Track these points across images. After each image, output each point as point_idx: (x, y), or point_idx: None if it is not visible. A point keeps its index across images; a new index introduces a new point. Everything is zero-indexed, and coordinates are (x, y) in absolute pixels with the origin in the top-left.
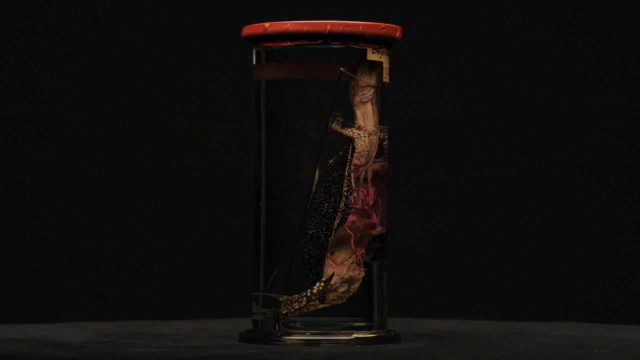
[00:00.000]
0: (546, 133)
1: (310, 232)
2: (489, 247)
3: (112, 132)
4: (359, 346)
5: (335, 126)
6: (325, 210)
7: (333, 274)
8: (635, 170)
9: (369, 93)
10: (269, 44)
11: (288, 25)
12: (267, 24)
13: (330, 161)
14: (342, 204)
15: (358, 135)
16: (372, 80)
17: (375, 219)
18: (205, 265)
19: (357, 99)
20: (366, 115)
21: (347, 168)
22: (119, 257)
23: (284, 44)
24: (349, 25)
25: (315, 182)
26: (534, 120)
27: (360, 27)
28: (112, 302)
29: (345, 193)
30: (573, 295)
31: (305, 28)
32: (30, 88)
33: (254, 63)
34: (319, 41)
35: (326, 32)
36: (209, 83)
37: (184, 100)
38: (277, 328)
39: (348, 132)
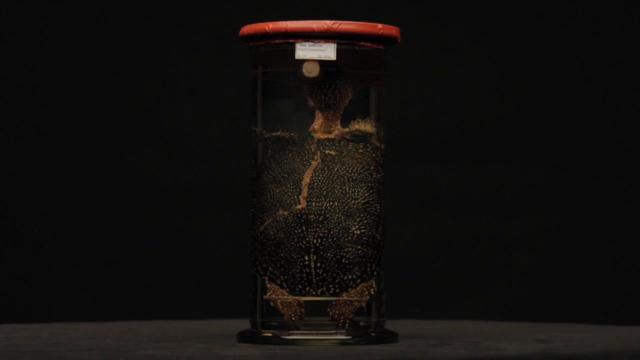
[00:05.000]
0: (546, 133)
1: (357, 232)
2: (488, 247)
3: (111, 132)
4: (357, 346)
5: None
6: (379, 211)
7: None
8: (636, 170)
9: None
10: (362, 43)
11: (380, 27)
12: (364, 23)
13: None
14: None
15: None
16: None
17: None
18: (205, 265)
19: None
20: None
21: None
22: (119, 257)
23: (375, 45)
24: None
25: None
26: (534, 120)
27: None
28: (112, 302)
29: (383, 194)
30: (572, 296)
31: (393, 32)
32: (31, 88)
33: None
34: (381, 45)
35: (393, 37)
36: (208, 83)
37: (183, 100)
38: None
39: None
